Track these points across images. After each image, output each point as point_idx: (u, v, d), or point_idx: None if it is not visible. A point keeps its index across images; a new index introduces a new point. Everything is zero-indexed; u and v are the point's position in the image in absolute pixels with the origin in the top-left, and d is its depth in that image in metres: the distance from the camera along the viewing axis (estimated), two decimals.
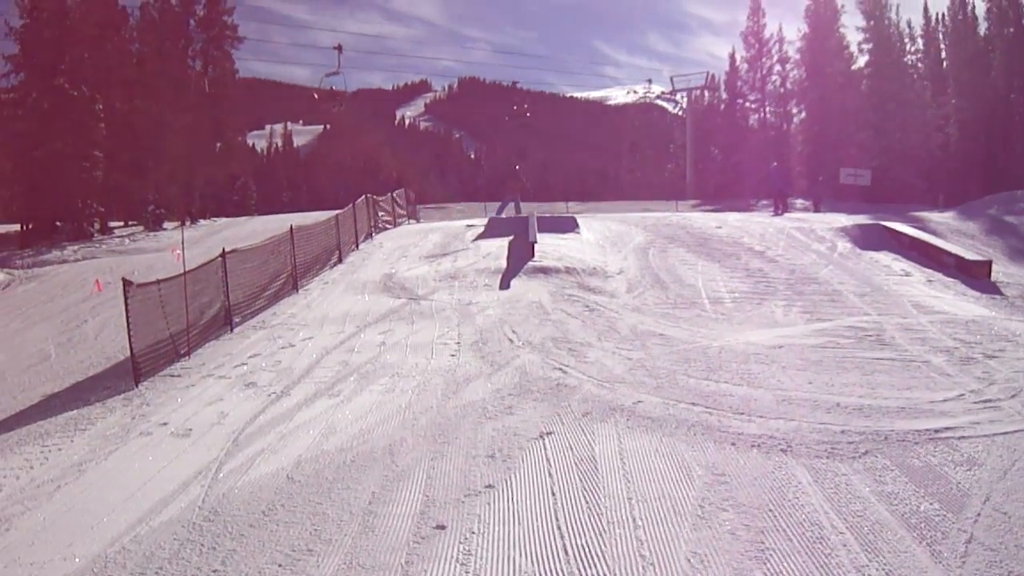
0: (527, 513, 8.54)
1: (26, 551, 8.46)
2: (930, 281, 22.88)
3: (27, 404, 15.38)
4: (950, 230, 31.59)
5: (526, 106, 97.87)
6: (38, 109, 44.19)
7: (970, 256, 25.10)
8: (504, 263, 24.99)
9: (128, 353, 15.96)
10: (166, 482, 10.19)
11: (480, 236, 31.37)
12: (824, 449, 10.05)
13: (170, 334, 17.13)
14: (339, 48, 62.06)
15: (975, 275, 23.36)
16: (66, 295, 25.79)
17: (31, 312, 24.80)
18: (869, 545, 7.46)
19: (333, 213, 30.88)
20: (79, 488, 10.31)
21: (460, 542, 7.94)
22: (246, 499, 9.46)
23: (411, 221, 44.67)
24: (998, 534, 7.65)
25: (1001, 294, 21.55)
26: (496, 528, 8.23)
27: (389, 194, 43.27)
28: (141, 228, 47.47)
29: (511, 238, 28.42)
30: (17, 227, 45.71)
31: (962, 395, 12.31)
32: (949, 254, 25.33)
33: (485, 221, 35.01)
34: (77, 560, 8.09)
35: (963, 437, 10.43)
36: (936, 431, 10.64)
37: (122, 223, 50.08)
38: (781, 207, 42.19)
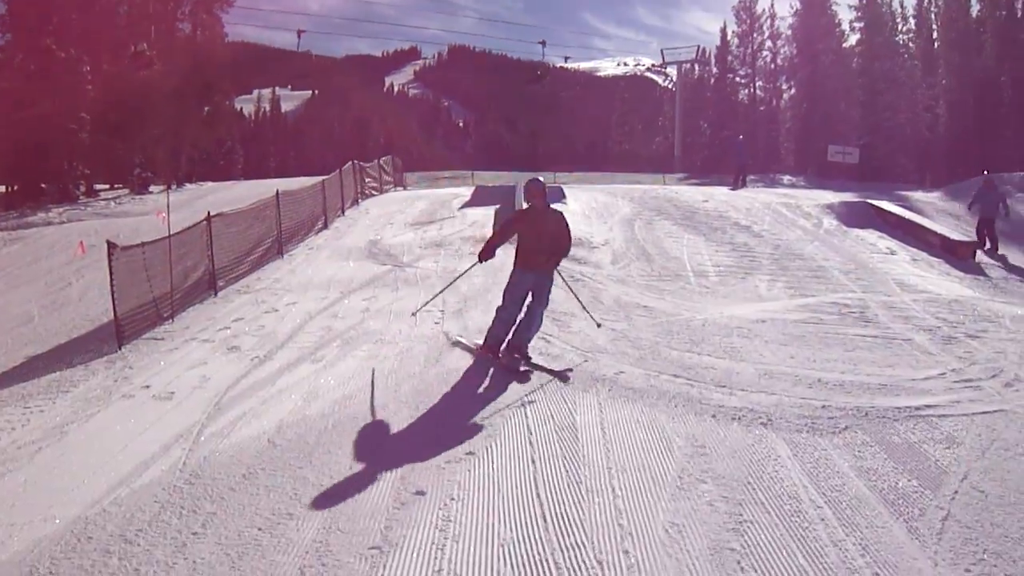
0: (507, 480, 8.55)
1: (6, 513, 8.41)
2: (915, 260, 22.97)
3: (9, 366, 15.32)
4: (936, 210, 31.63)
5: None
6: (24, 70, 43.79)
7: (955, 236, 25.21)
8: (490, 231, 24.93)
9: (112, 316, 15.90)
10: (147, 445, 10.14)
11: (467, 204, 31.33)
12: (804, 424, 10.08)
13: (154, 297, 17.05)
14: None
15: (960, 255, 23.46)
16: (50, 257, 25.69)
17: (15, 274, 24.70)
18: (847, 520, 7.48)
19: (320, 179, 30.80)
20: (60, 450, 10.26)
21: (439, 508, 7.93)
22: (227, 463, 9.44)
23: (398, 188, 44.65)
24: (975, 512, 7.67)
25: (985, 275, 21.64)
26: (475, 495, 8.23)
27: (376, 161, 43.22)
28: (127, 191, 47.16)
29: (497, 207, 28.37)
30: (1, 189, 45.33)
31: (943, 374, 12.37)
32: (934, 234, 25.43)
33: (472, 189, 34.93)
34: (57, 522, 8.06)
35: (943, 415, 10.47)
36: (916, 409, 10.69)
37: (108, 186, 49.69)
38: (740, 181, 42.32)
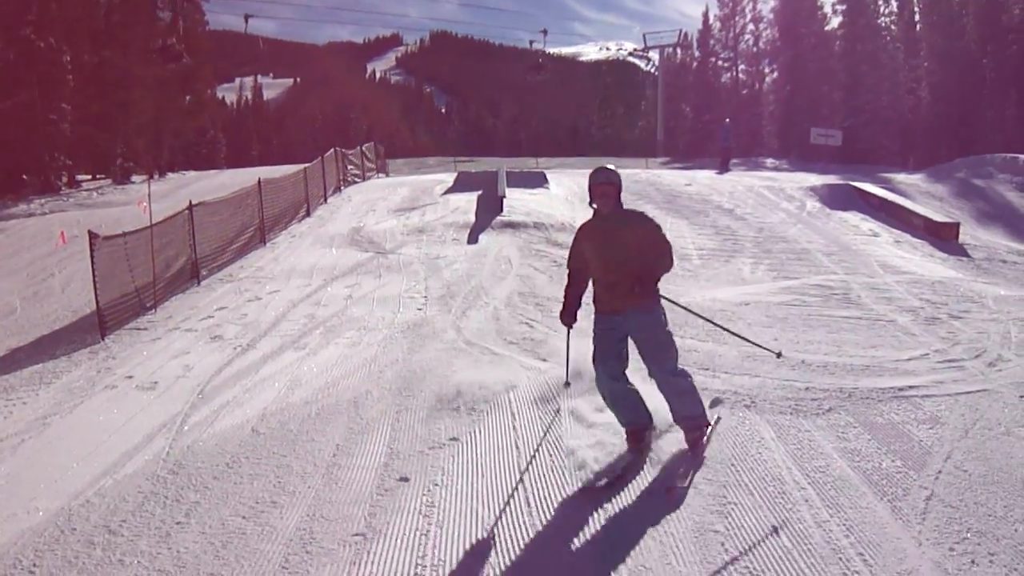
0: (491, 466, 8.55)
1: None
2: (898, 242, 23.03)
3: None
4: (919, 192, 31.70)
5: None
6: (4, 60, 43.27)
7: (938, 218, 25.27)
8: (472, 217, 24.98)
9: (94, 306, 15.86)
10: (131, 435, 10.13)
11: (449, 190, 31.32)
12: (788, 405, 10.08)
13: (136, 287, 17.05)
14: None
15: (943, 237, 23.53)
16: (32, 249, 25.57)
17: None
18: (831, 501, 7.47)
19: (302, 167, 30.77)
20: (43, 442, 10.24)
21: (423, 494, 7.92)
22: (211, 452, 9.42)
23: (380, 175, 44.56)
24: (958, 492, 7.68)
25: (968, 256, 21.71)
26: (460, 481, 8.22)
27: (358, 148, 43.14)
28: (109, 181, 46.83)
29: (480, 192, 28.38)
30: None
31: (927, 354, 12.38)
32: (917, 215, 25.51)
33: (454, 175, 34.92)
34: (40, 514, 8.03)
35: (927, 396, 10.48)
36: (900, 389, 10.69)
37: (90, 176, 49.33)
38: (724, 165, 42.47)
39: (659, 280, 8.40)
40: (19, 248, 26.33)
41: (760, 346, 10.21)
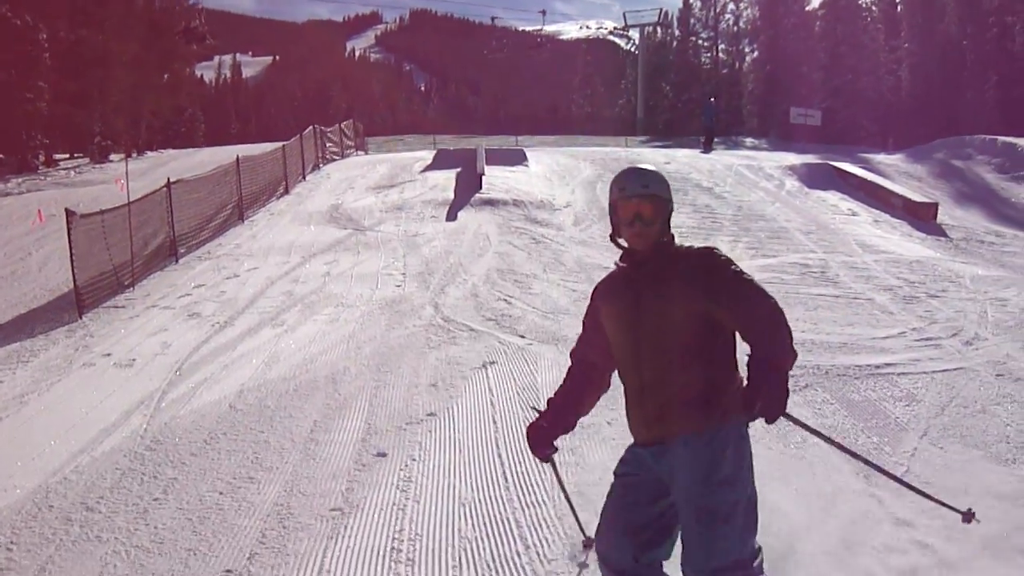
0: (468, 441, 8.55)
1: None
2: (876, 221, 23.10)
3: None
4: (898, 172, 31.76)
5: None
6: None
7: (917, 198, 25.34)
8: (451, 195, 24.98)
9: (72, 285, 15.81)
10: (108, 412, 10.10)
11: (428, 168, 31.27)
12: None
13: (114, 265, 17.01)
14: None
15: (921, 217, 23.59)
16: (9, 228, 25.39)
17: None
18: (807, 478, 7.48)
19: (280, 144, 30.71)
20: (20, 420, 10.20)
21: (401, 469, 7.92)
22: (188, 428, 9.41)
23: (359, 153, 44.52)
24: (933, 469, 7.71)
25: (946, 236, 21.78)
26: (437, 456, 8.23)
27: (338, 125, 43.04)
28: (87, 160, 46.42)
29: (459, 170, 28.36)
30: None
31: (904, 333, 12.44)
32: (896, 195, 25.56)
33: (433, 153, 34.87)
34: (18, 491, 7.99)
35: (903, 373, 10.53)
36: (877, 367, 10.75)
37: (67, 155, 48.94)
38: (708, 144, 42.54)
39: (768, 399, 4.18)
40: None
41: (947, 505, 5.27)
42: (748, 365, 4.17)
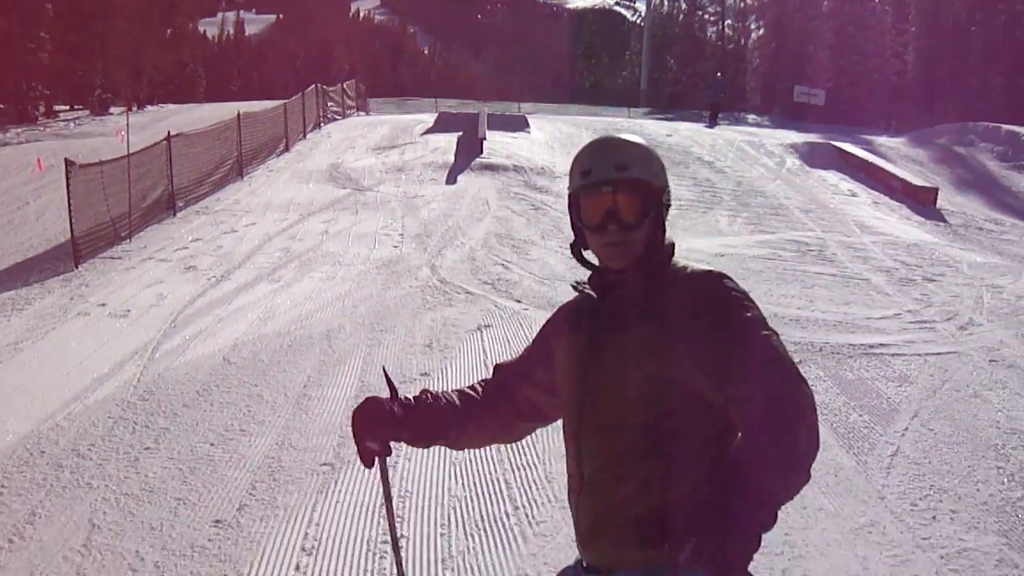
0: None
1: None
2: (876, 203, 23.07)
3: None
4: (900, 156, 31.67)
5: (500, 6, 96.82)
6: None
7: (918, 182, 25.29)
8: (452, 158, 24.95)
9: (69, 235, 15.80)
10: (102, 361, 10.13)
11: (429, 130, 31.22)
12: None
13: (112, 217, 17.03)
14: None
15: (921, 201, 23.54)
16: (7, 178, 25.30)
17: None
18: None
19: (282, 102, 30.68)
20: (14, 367, 10.21)
21: None
22: (181, 379, 9.43)
23: (361, 113, 44.42)
24: (923, 449, 7.73)
25: (945, 221, 21.75)
26: None
27: (340, 85, 42.94)
28: (87, 112, 46.22)
29: (460, 134, 28.28)
30: None
31: (899, 314, 12.44)
32: (897, 178, 25.50)
33: (435, 116, 34.81)
34: (9, 437, 8.01)
35: (897, 354, 10.54)
36: (871, 347, 10.76)
37: (67, 107, 48.89)
38: (713, 119, 42.46)
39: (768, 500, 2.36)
40: None
41: None
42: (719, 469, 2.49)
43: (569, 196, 2.94)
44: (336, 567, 5.78)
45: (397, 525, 4.36)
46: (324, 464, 7.22)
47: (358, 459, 2.98)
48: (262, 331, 11.12)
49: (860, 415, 8.49)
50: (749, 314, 2.64)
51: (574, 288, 3.00)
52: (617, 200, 2.81)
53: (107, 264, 15.43)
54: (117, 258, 15.83)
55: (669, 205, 2.95)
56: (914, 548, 6.08)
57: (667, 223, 2.94)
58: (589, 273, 2.96)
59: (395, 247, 15.74)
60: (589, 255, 2.95)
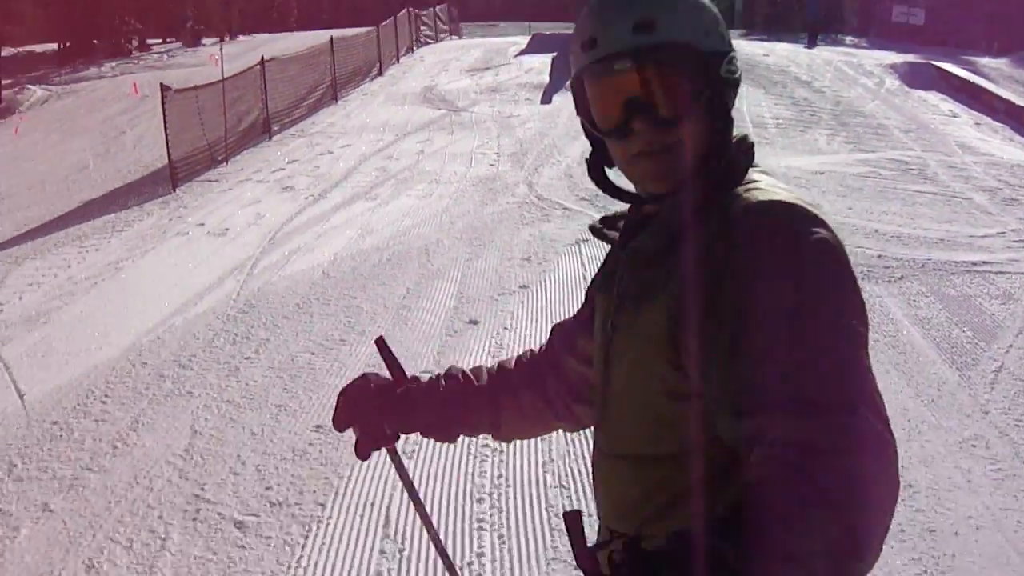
0: (561, 311, 8.55)
1: (63, 341, 8.59)
2: (978, 124, 22.58)
3: (65, 210, 15.43)
4: (1003, 76, 31.04)
5: None
6: None
7: (1021, 102, 24.69)
8: (546, 78, 24.86)
9: (165, 161, 16.01)
10: (201, 277, 10.32)
11: (523, 52, 31.12)
12: (859, 271, 9.84)
13: (208, 142, 17.27)
14: None
15: None
16: (104, 108, 25.73)
17: (70, 125, 24.68)
18: (900, 366, 7.43)
19: (374, 27, 30.73)
20: (116, 284, 10.43)
21: (492, 336, 8.01)
22: (281, 293, 9.56)
23: (453, 37, 44.36)
24: None
25: None
26: (529, 325, 8.30)
27: (432, 9, 42.83)
28: (180, 45, 46.80)
29: (555, 54, 28.11)
30: (54, 46, 44.85)
31: (1002, 233, 12.18)
32: (1000, 99, 24.95)
33: (528, 38, 34.64)
34: (112, 349, 8.20)
35: (1000, 272, 10.34)
36: (974, 264, 10.56)
37: (160, 40, 49.39)
38: (812, 40, 41.80)
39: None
40: (91, 108, 26.51)
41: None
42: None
43: (571, 85, 1.95)
44: (436, 470, 5.84)
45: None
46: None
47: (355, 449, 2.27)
48: (361, 246, 11.22)
49: (963, 331, 8.36)
50: (806, 291, 1.53)
51: (592, 232, 2.07)
52: (643, 81, 1.76)
53: (204, 186, 15.63)
54: (214, 180, 16.03)
55: (737, 81, 1.94)
56: (1019, 463, 6.00)
57: (733, 113, 1.96)
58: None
59: (491, 165, 15.75)
60: (617, 175, 1.98)
